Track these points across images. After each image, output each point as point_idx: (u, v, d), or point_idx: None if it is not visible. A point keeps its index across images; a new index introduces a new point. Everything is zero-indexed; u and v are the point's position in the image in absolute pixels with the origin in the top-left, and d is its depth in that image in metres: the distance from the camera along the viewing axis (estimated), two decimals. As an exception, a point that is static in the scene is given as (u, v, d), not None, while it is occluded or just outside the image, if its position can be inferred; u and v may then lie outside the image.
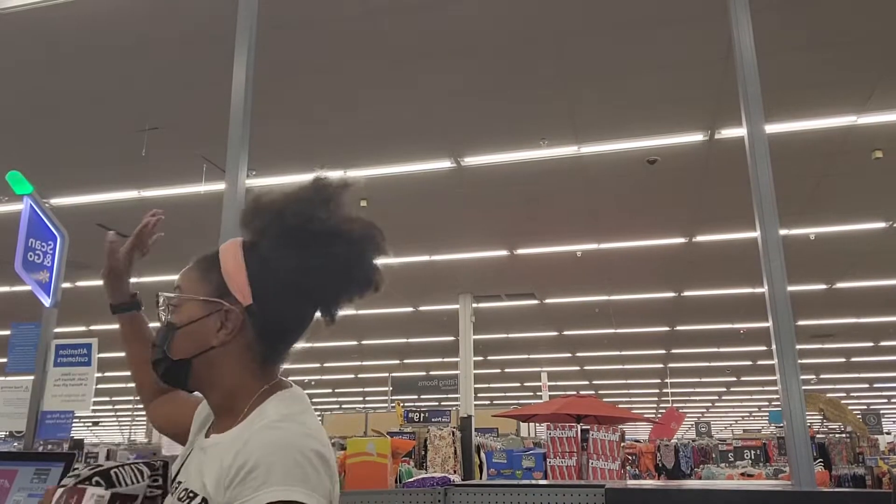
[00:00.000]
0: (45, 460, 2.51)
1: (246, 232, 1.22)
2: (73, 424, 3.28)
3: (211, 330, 1.15)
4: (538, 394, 22.47)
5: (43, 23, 5.27)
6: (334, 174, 1.28)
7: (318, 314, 1.20)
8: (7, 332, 3.51)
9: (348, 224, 1.19)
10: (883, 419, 15.68)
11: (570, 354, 19.42)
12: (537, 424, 17.59)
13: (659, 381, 23.70)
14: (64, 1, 4.95)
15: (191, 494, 1.08)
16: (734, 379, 23.12)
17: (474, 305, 13.65)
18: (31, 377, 3.24)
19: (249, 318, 1.15)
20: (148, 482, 1.06)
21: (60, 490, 1.02)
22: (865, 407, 24.92)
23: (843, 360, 19.79)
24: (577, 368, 21.64)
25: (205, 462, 1.11)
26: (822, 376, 22.84)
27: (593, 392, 24.70)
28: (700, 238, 10.00)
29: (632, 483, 6.92)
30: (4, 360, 3.40)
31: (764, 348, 17.13)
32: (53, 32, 5.42)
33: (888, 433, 19.87)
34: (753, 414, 32.47)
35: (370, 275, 1.20)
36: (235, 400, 1.15)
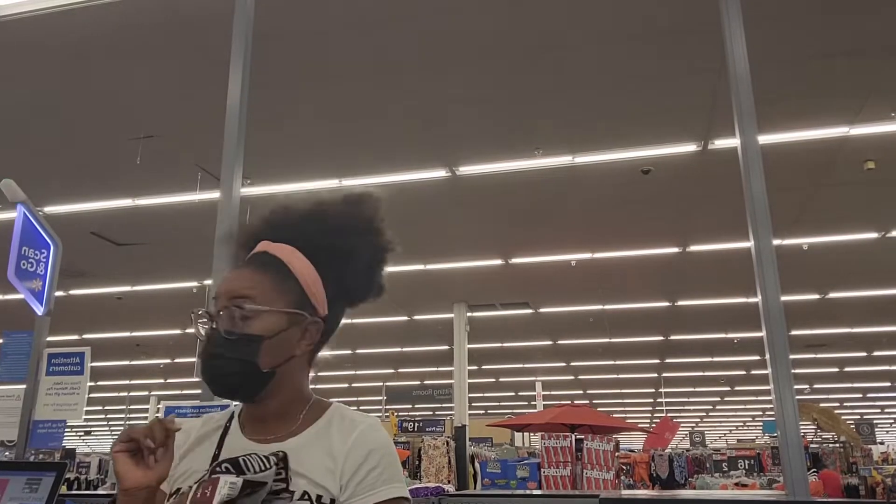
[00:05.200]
0: (36, 470, 2.50)
1: (277, 238, 1.23)
2: (65, 434, 3.26)
3: (293, 340, 1.19)
4: (533, 403, 22.42)
5: (37, 31, 5.26)
6: (354, 186, 1.34)
7: None
8: (-1, 341, 3.49)
9: (379, 232, 1.28)
10: (876, 429, 15.71)
11: (564, 364, 19.41)
12: (532, 434, 17.56)
13: (653, 390, 23.69)
14: (58, 10, 4.95)
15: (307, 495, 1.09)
16: (728, 389, 23.13)
17: (469, 314, 13.64)
18: (23, 386, 3.22)
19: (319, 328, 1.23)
20: (275, 470, 1.06)
21: (195, 486, 1.03)
22: (859, 417, 24.95)
23: (837, 369, 19.83)
24: (572, 378, 21.62)
25: (294, 462, 1.11)
26: (815, 386, 22.87)
27: (588, 402, 24.68)
28: (694, 248, 10.03)
29: (626, 493, 6.91)
30: (-4, 368, 3.38)
31: (758, 358, 17.14)
32: (48, 41, 5.41)
33: (881, 443, 19.92)
34: (747, 424, 32.47)
35: (382, 280, 1.30)
36: (293, 405, 1.20)
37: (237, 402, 1.24)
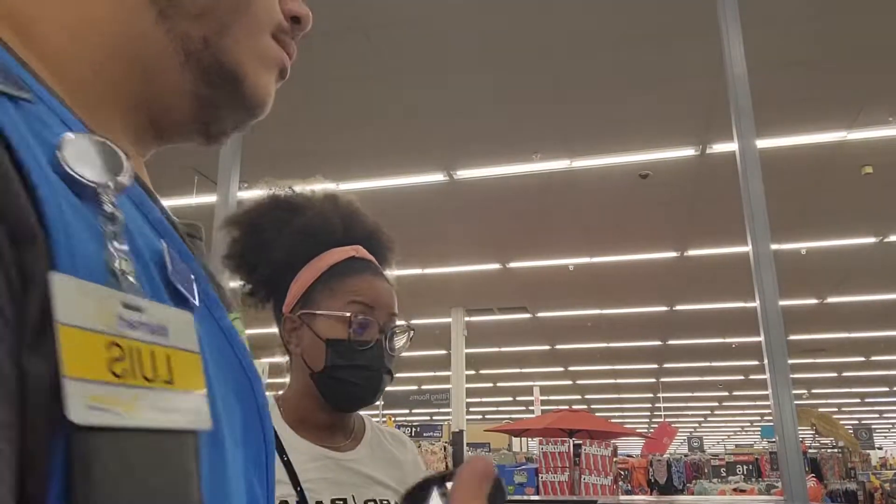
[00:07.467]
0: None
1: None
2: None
3: None
4: (530, 408, 22.41)
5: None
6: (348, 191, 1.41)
7: None
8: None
9: None
10: (874, 434, 15.71)
11: (562, 368, 19.39)
12: (529, 439, 17.54)
13: (651, 395, 23.69)
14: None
15: None
16: (726, 393, 23.12)
17: (466, 319, 13.62)
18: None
19: None
20: None
21: None
22: (857, 422, 24.96)
23: (835, 374, 19.83)
24: (570, 383, 21.61)
25: (379, 472, 1.15)
26: (813, 391, 22.88)
27: (586, 406, 24.66)
28: (692, 252, 10.03)
29: (624, 498, 6.89)
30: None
31: (756, 363, 17.14)
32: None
33: (880, 448, 19.93)
34: (745, 429, 32.47)
35: None
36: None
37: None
